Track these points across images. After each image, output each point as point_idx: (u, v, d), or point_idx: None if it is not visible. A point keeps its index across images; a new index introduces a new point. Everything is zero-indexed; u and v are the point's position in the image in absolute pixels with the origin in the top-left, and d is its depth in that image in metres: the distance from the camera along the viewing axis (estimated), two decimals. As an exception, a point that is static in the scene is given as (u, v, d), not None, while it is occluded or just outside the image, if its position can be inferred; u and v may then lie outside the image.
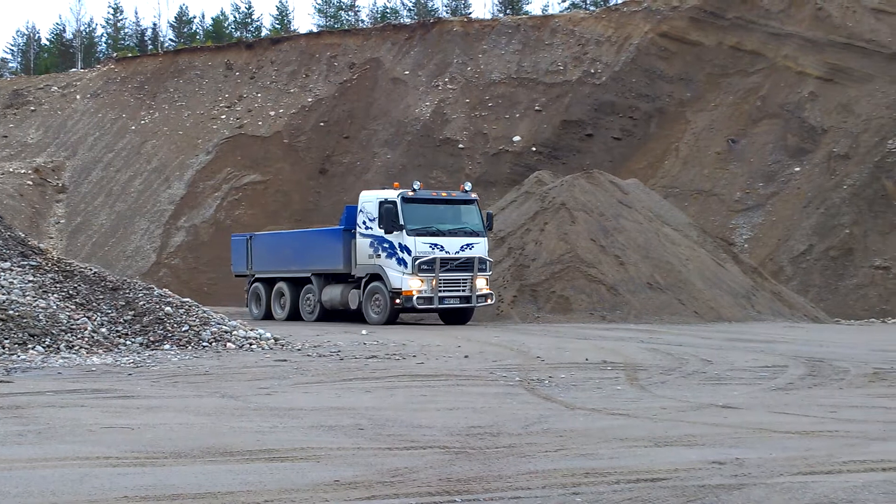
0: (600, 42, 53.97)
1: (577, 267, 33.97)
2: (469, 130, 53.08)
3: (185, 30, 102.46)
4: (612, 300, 32.44)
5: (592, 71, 52.90)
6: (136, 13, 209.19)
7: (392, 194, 30.53)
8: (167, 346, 20.94)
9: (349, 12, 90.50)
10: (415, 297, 29.64)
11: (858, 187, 41.62)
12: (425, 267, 29.64)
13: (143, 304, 22.35)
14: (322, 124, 56.18)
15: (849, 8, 47.71)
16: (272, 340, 22.63)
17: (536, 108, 52.62)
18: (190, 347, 21.15)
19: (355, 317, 32.62)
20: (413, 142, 53.43)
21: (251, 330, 23.16)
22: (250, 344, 21.98)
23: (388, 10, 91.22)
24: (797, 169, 44.73)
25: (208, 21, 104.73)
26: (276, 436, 11.61)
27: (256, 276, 36.60)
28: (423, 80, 56.21)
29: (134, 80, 66.58)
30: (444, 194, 31.72)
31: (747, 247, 42.76)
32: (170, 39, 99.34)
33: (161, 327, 21.68)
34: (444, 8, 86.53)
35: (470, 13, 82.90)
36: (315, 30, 77.32)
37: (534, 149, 51.28)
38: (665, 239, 35.37)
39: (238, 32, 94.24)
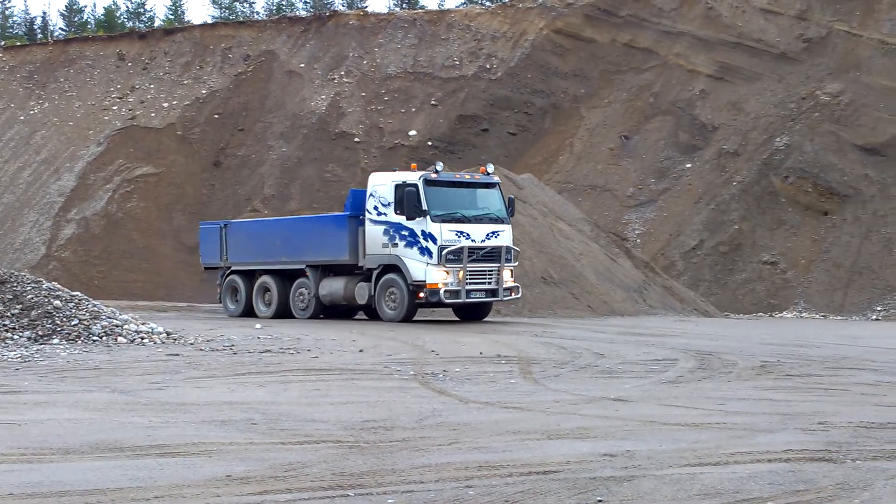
0: (496, 38, 54.24)
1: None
2: (365, 124, 52.98)
3: (76, 19, 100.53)
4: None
5: (488, 66, 53.14)
6: (25, 1, 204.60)
7: (412, 177, 27.64)
8: (56, 341, 20.55)
9: (244, 4, 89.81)
10: (442, 291, 26.95)
11: (747, 184, 42.42)
12: (452, 257, 27.03)
13: (32, 298, 21.90)
14: (216, 116, 55.61)
15: (738, 8, 48.57)
16: (164, 334, 22.35)
17: (432, 102, 52.72)
18: (80, 342, 20.77)
19: (355, 313, 31.13)
20: (308, 135, 53.14)
21: (143, 324, 22.84)
22: (142, 338, 21.68)
23: (283, 3, 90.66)
24: (688, 165, 45.44)
25: (100, 10, 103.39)
26: (167, 431, 11.47)
27: (233, 268, 32.86)
28: (318, 74, 55.94)
29: (23, 69, 65.15)
30: (466, 177, 28.89)
31: (639, 242, 43.35)
32: (60, 28, 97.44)
33: (50, 321, 21.27)
34: (340, 1, 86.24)
35: (366, 7, 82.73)
36: (209, 21, 76.53)
37: (430, 143, 51.37)
38: (559, 234, 35.68)
39: (130, 22, 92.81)
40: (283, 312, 30.91)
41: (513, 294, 28.31)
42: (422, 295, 27.03)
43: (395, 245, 27.62)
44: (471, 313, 29.06)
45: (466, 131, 51.67)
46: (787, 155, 42.31)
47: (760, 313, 37.95)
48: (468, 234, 27.35)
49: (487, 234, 27.68)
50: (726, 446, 11.03)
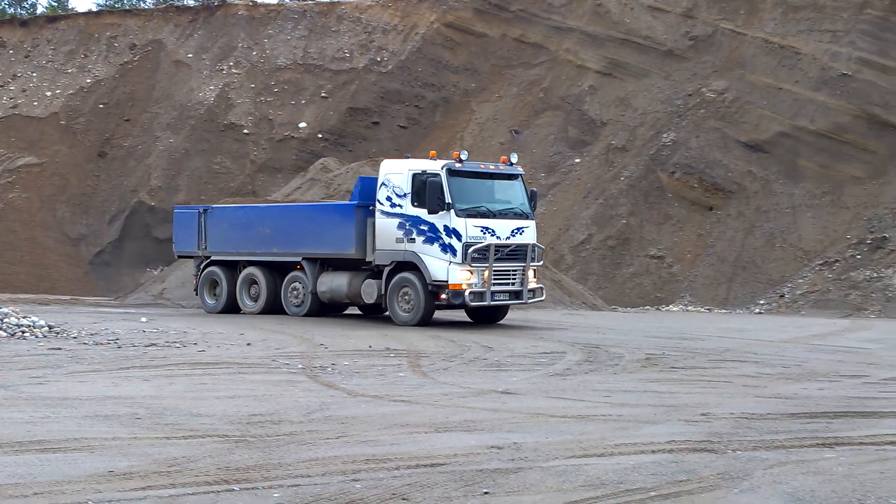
0: (386, 30, 54.17)
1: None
2: (254, 116, 52.50)
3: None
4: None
5: (379, 59, 53.05)
6: None
7: (433, 166, 24.92)
8: (-68, 335, 19.99)
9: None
10: (467, 293, 24.20)
11: (635, 179, 42.97)
12: (478, 255, 24.31)
13: None
14: (101, 106, 54.59)
15: (626, 5, 49.17)
16: (46, 328, 21.88)
17: (323, 94, 52.44)
18: (-43, 336, 20.25)
19: (354, 311, 28.81)
20: (196, 126, 52.46)
21: (24, 317, 22.33)
22: (23, 332, 21.19)
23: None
24: (577, 160, 45.87)
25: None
26: (48, 426, 11.24)
27: (213, 258, 29.60)
28: (207, 64, 55.26)
29: None
30: (491, 167, 25.99)
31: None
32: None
33: (-74, 315, 20.69)
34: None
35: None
36: (94, 9, 74.99)
37: (320, 135, 51.09)
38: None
39: (12, 9, 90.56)
40: (273, 308, 28.17)
41: (536, 296, 25.80)
42: (444, 296, 24.37)
43: (412, 240, 24.86)
44: (487, 315, 26.62)
45: (357, 124, 51.51)
46: (673, 151, 42.95)
47: (647, 307, 38.50)
48: (493, 231, 24.72)
49: (512, 231, 25.10)
50: (611, 438, 11.16)
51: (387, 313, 26.31)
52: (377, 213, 25.58)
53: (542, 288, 26.17)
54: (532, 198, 26.01)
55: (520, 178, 26.03)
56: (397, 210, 25.21)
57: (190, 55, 56.02)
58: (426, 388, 15.13)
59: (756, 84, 42.95)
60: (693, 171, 42.22)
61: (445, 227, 24.35)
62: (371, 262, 25.84)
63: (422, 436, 11.21)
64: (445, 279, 24.26)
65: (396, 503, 8.46)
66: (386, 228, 25.38)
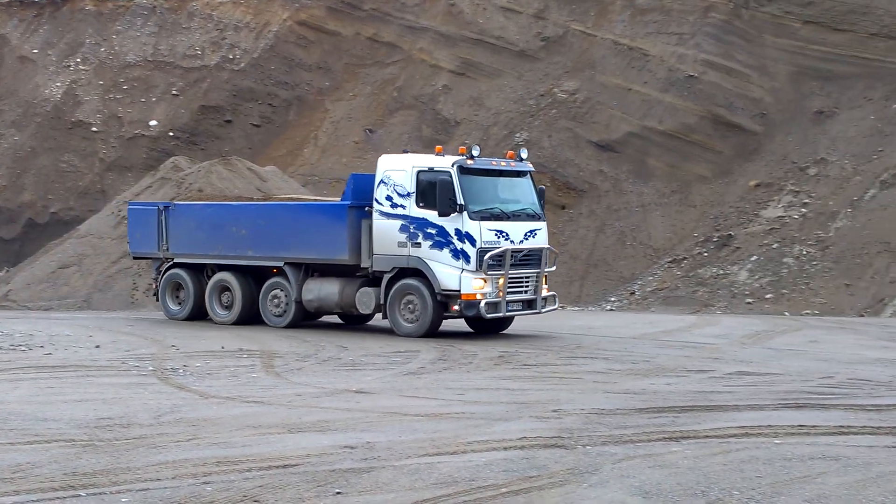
0: (239, 28, 53.55)
1: (215, 254, 33.59)
2: (103, 113, 51.35)
3: None
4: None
5: (231, 56, 52.40)
6: None
7: (442, 162, 22.56)
8: None
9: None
10: (482, 303, 21.90)
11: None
12: (493, 262, 22.02)
13: None
14: (-58, 102, 52.88)
15: (479, 5, 49.51)
16: None
17: (174, 92, 51.59)
18: None
19: (345, 321, 26.21)
20: (43, 123, 51.10)
21: None
22: None
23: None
24: (432, 159, 46.10)
25: None
26: None
27: (175, 260, 26.60)
28: (53, 60, 53.87)
29: None
30: (502, 163, 23.58)
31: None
32: None
33: None
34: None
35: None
36: (-65, 2, 72.53)
37: (171, 134, 50.23)
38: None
39: None
40: (249, 317, 25.27)
41: (549, 304, 23.76)
42: (456, 307, 22.08)
43: (417, 245, 22.48)
44: (491, 325, 24.01)
45: (209, 122, 50.78)
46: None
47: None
48: (507, 234, 22.54)
49: (525, 234, 22.93)
50: (464, 435, 11.24)
51: (370, 321, 25.27)
52: (375, 215, 23.12)
53: (554, 296, 24.22)
54: (541, 196, 23.92)
55: (528, 176, 23.88)
56: (399, 211, 22.77)
57: (35, 51, 54.54)
58: (279, 388, 15.02)
59: (606, 85, 43.68)
60: (545, 170, 42.69)
61: (457, 231, 22.11)
62: (367, 269, 23.39)
63: (274, 437, 11.13)
64: (457, 288, 21.99)
65: (248, 506, 8.38)
66: (385, 231, 22.92)
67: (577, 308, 37.39)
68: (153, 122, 50.68)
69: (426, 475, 9.36)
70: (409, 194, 22.69)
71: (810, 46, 41.13)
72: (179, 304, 26.67)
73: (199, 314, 26.22)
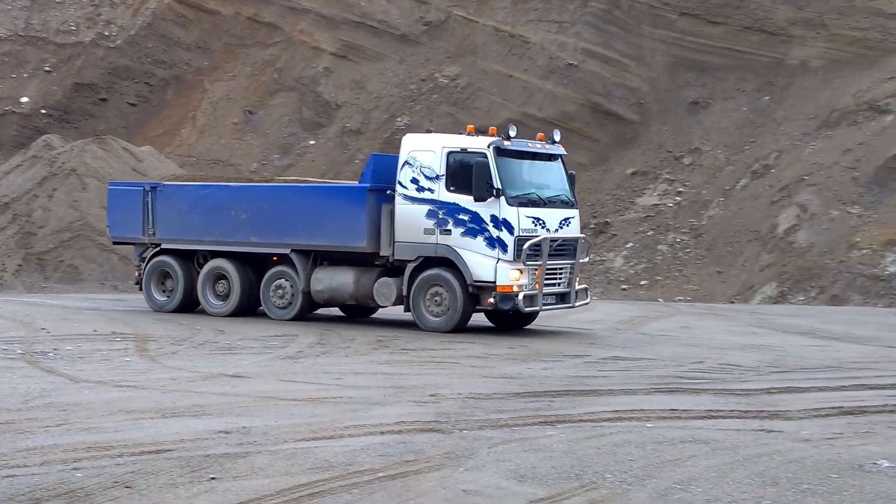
0: (115, 4, 52.47)
1: (88, 235, 32.99)
2: (-28, 89, 49.98)
3: None
4: (124, 270, 31.71)
5: (107, 34, 51.35)
6: None
7: (477, 143, 20.72)
8: None
9: None
10: (520, 296, 20.05)
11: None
12: (531, 252, 20.31)
13: None
14: None
15: (362, -12, 49.34)
16: None
17: (46, 68, 50.37)
18: None
19: (357, 312, 23.99)
20: None
21: None
22: None
23: None
24: (312, 142, 45.78)
25: None
26: None
27: (163, 246, 24.12)
28: (-80, 33, 52.27)
29: None
30: (537, 146, 21.68)
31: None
32: None
33: None
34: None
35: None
36: None
37: (43, 111, 49.06)
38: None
39: None
40: (246, 308, 23.26)
41: (581, 298, 21.99)
42: (491, 300, 20.26)
43: (447, 232, 20.64)
44: (514, 319, 22.13)
45: (83, 100, 49.71)
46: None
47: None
48: (543, 222, 20.85)
49: (560, 223, 21.24)
50: (341, 420, 11.20)
51: (374, 314, 23.82)
52: (398, 199, 21.15)
53: (587, 289, 22.49)
54: (572, 182, 22.21)
55: (560, 160, 22.13)
56: (426, 195, 20.89)
57: None
58: (153, 372, 14.80)
59: (487, 71, 43.89)
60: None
61: (493, 218, 20.33)
62: (386, 258, 21.48)
63: (147, 422, 10.96)
64: (492, 279, 20.21)
65: (119, 491, 8.23)
66: (410, 217, 21.00)
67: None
68: (24, 99, 49.44)
69: (302, 460, 9.31)
70: (437, 177, 20.85)
71: (686, 38, 41.88)
72: (167, 294, 24.17)
73: (188, 305, 23.94)
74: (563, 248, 21.12)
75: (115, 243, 27.30)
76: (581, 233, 22.29)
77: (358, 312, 23.92)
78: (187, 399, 12.40)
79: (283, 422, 11.02)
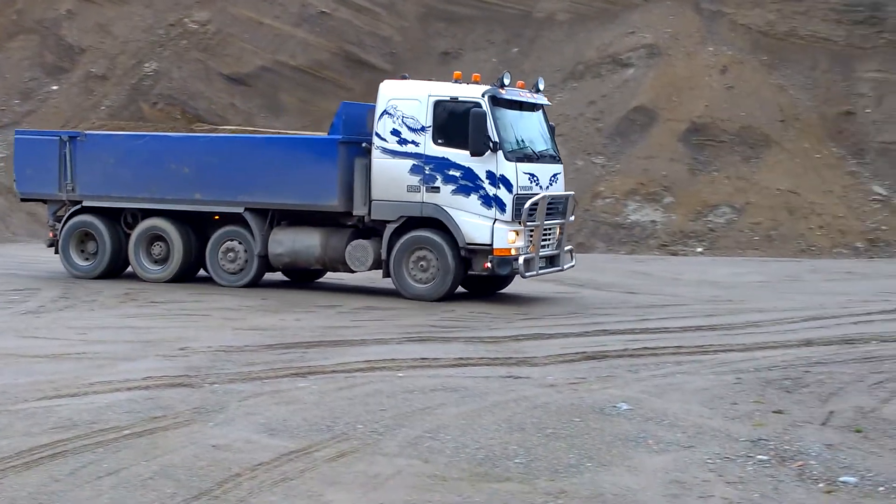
0: None
1: None
2: None
3: None
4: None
5: None
6: None
7: (470, 91, 18.70)
8: None
9: None
10: (520, 260, 18.17)
11: (116, 109, 41.86)
12: (531, 211, 18.40)
13: None
14: None
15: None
16: None
17: None
18: None
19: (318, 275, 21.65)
20: None
21: None
22: None
23: None
24: (55, 87, 44.01)
25: None
26: None
27: (85, 203, 21.24)
28: None
29: None
30: (526, 94, 19.67)
31: (2, 167, 41.51)
32: None
33: None
34: None
35: None
36: None
37: None
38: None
39: None
40: (188, 273, 20.83)
41: (568, 261, 20.31)
42: (488, 265, 18.22)
43: (434, 189, 18.57)
44: (489, 284, 20.14)
45: None
46: (155, 81, 42.27)
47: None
48: (537, 179, 19.03)
49: (550, 179, 19.51)
50: (86, 377, 10.89)
51: (320, 279, 21.68)
52: (376, 153, 19.03)
53: (572, 250, 20.82)
54: (553, 134, 20.56)
55: (542, 111, 20.32)
56: (410, 149, 18.83)
57: None
58: None
59: (238, 17, 43.10)
60: (176, 102, 41.84)
61: (489, 174, 18.37)
62: (361, 217, 19.27)
63: None
64: (488, 242, 18.26)
65: None
66: (390, 172, 18.88)
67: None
68: None
69: (43, 419, 9.00)
70: (423, 129, 18.82)
71: (438, -12, 42.22)
72: (90, 258, 21.33)
73: (114, 270, 21.27)
74: (554, 207, 19.39)
75: (23, 200, 24.41)
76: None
77: (302, 277, 21.67)
78: (-82, 359, 11.81)
79: (24, 380, 10.62)
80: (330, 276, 21.27)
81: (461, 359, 12.34)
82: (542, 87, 20.11)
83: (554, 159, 19.94)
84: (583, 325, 15.61)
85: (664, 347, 13.19)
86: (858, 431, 8.86)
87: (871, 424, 9.02)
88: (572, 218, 20.55)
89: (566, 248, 20.14)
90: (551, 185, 19.37)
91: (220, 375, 11.05)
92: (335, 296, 19.02)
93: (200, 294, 18.80)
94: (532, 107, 19.81)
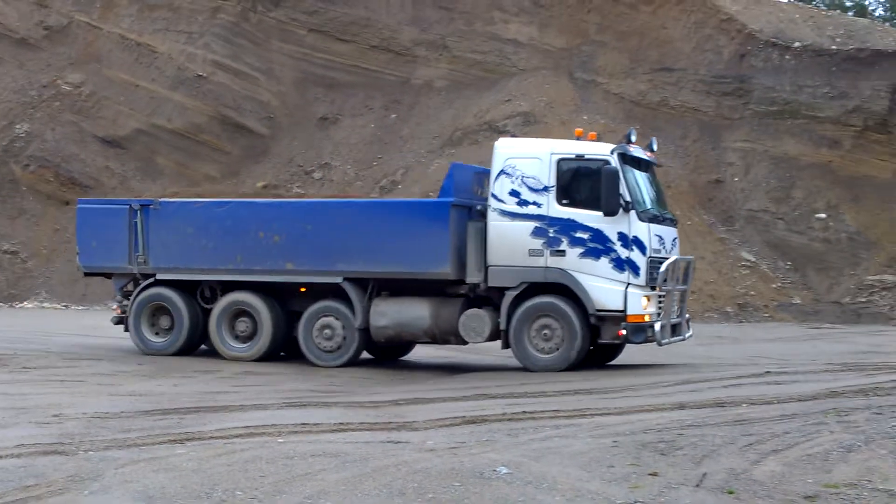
0: None
1: None
2: None
3: None
4: None
5: None
6: None
7: (597, 149, 17.84)
8: None
9: None
10: (656, 327, 17.29)
11: (-13, 171, 41.25)
12: (666, 276, 17.51)
13: None
14: None
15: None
16: None
17: None
18: None
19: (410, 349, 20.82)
20: None
21: None
22: None
23: None
24: (-78, 149, 43.10)
25: None
26: None
27: (159, 276, 19.84)
28: None
29: None
30: (646, 153, 18.78)
31: None
32: None
33: None
34: None
35: None
36: None
37: None
38: None
39: None
40: (277, 351, 19.53)
41: (689, 329, 19.31)
42: (623, 332, 17.17)
43: (559, 253, 17.41)
44: (392, 352, 20.07)
45: None
46: (27, 143, 41.67)
47: (0, 304, 37.09)
48: (664, 241, 18.10)
49: (671, 241, 18.56)
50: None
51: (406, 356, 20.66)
52: (492, 214, 17.78)
53: (689, 319, 19.65)
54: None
55: (653, 170, 19.27)
56: (531, 210, 17.60)
57: None
58: None
59: (113, 79, 42.75)
60: (49, 164, 41.28)
61: (621, 236, 17.27)
62: (473, 285, 17.98)
63: None
64: (621, 308, 17.17)
65: None
66: (509, 236, 17.66)
67: (82, 307, 36.37)
68: None
69: (-90, 491, 8.74)
70: (546, 188, 17.60)
71: (315, 54, 42.46)
72: (165, 334, 19.92)
73: (191, 346, 19.93)
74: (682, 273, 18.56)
75: (86, 274, 22.06)
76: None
77: (390, 355, 20.57)
78: None
79: None
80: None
81: (341, 424, 12.30)
82: (655, 147, 19.22)
83: (673, 222, 19.04)
84: (462, 388, 15.68)
85: (542, 411, 13.31)
86: (730, 493, 9.05)
87: (742, 486, 9.22)
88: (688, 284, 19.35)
89: (686, 316, 19.15)
90: (673, 248, 18.51)
91: (95, 442, 10.85)
92: (214, 361, 18.81)
93: (75, 359, 18.48)
94: (647, 166, 18.85)
